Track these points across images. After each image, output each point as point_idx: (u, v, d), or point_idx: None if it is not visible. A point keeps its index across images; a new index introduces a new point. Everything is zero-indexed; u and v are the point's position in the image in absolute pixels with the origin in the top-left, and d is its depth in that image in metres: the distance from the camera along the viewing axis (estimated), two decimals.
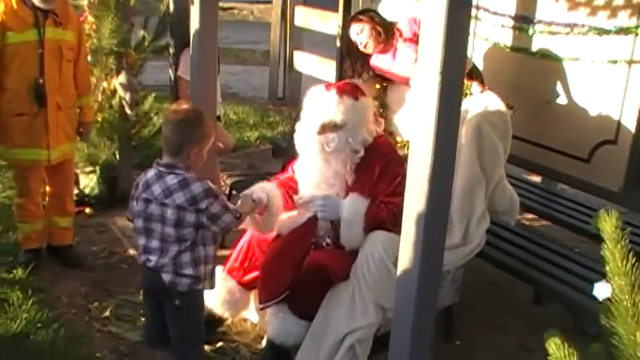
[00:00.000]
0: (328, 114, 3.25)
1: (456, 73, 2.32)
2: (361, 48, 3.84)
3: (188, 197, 2.65)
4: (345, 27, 3.94)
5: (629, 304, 1.63)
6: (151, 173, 2.76)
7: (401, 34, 3.80)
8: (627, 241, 1.69)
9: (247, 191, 3.24)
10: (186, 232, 2.70)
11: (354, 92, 3.33)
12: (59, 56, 3.92)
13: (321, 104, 3.29)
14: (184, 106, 2.86)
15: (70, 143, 4.16)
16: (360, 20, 3.82)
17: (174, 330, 2.85)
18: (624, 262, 1.65)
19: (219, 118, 4.99)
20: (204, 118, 2.81)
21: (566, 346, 1.64)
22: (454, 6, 2.22)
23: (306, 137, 3.34)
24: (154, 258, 2.77)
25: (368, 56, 3.91)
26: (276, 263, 3.24)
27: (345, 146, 3.26)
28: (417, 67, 2.38)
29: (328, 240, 3.33)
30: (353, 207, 3.21)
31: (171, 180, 2.68)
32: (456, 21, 2.24)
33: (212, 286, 2.92)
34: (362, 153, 3.29)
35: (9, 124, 3.88)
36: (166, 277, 2.74)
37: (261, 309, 3.32)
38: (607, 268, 1.70)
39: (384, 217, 3.20)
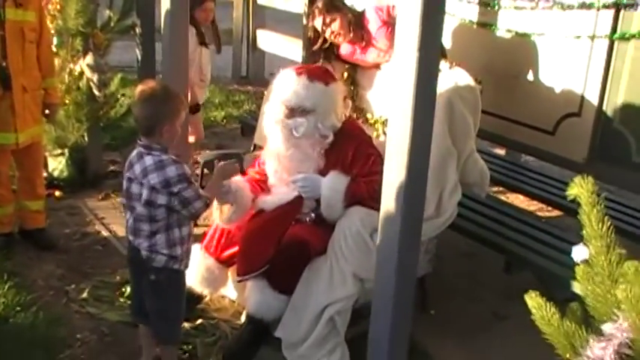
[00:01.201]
0: (298, 98, 3.24)
1: (433, 50, 2.38)
2: (331, 38, 3.78)
3: (162, 179, 2.68)
4: (316, 13, 3.76)
5: (605, 264, 1.73)
6: (134, 152, 2.79)
7: (368, 23, 3.80)
8: (602, 205, 1.79)
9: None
10: (158, 212, 2.74)
11: (325, 77, 3.35)
12: (21, 38, 3.85)
13: (291, 88, 3.27)
14: (149, 84, 2.84)
15: (38, 126, 4.12)
16: (331, 11, 3.72)
17: (150, 304, 2.91)
18: (600, 225, 1.75)
19: (198, 106, 5.03)
20: (171, 92, 2.82)
21: (547, 305, 1.74)
22: None
23: (274, 121, 3.33)
24: (131, 236, 2.85)
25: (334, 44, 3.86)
26: (258, 237, 3.27)
27: (313, 131, 3.27)
28: (395, 46, 2.43)
29: (312, 215, 3.37)
30: (333, 185, 3.26)
31: (148, 160, 2.72)
32: None
33: (186, 266, 2.96)
34: (331, 138, 3.32)
35: None
36: (144, 253, 2.81)
37: (239, 281, 3.36)
38: (584, 231, 1.80)
39: (364, 193, 3.26)
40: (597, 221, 1.76)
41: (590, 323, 1.81)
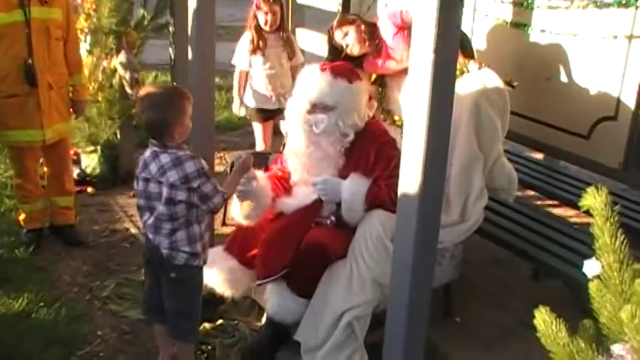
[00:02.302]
0: (320, 94, 3.22)
1: (449, 52, 2.30)
2: (347, 50, 3.76)
3: (181, 175, 2.69)
4: (331, 30, 3.81)
5: (617, 281, 1.63)
6: (147, 152, 2.80)
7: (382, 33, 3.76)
8: (616, 218, 1.69)
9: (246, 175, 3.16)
10: (179, 209, 2.74)
11: (349, 75, 3.30)
12: (47, 35, 3.90)
13: (314, 84, 3.25)
14: (149, 90, 2.84)
15: (65, 122, 4.16)
16: (344, 24, 3.77)
17: (169, 302, 2.90)
18: (613, 239, 1.65)
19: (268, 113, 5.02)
20: (172, 93, 2.83)
21: (554, 322, 1.64)
22: None
23: (295, 115, 3.31)
24: (151, 235, 2.85)
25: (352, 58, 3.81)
26: (277, 241, 3.23)
27: (334, 129, 3.22)
28: (411, 49, 2.36)
29: (333, 218, 3.31)
30: (353, 188, 3.20)
31: (165, 158, 2.72)
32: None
33: (205, 261, 2.96)
34: (351, 137, 3.26)
35: (1, 106, 3.89)
36: (164, 251, 2.81)
37: (258, 285, 3.33)
38: (596, 244, 1.71)
39: (384, 197, 3.19)
40: (610, 235, 1.66)
41: (602, 342, 1.71)
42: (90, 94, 4.87)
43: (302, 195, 3.35)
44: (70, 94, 4.17)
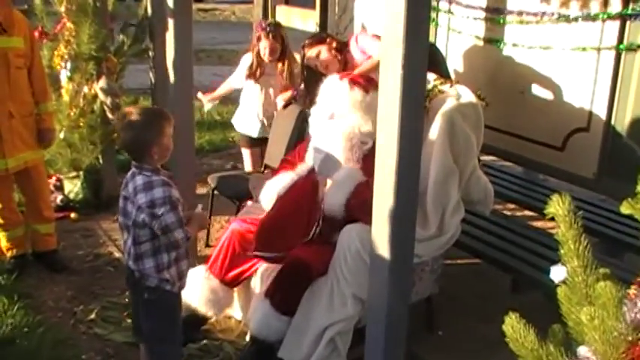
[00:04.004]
0: (337, 103, 3.36)
1: (418, 65, 2.36)
2: (322, 69, 3.86)
3: (148, 199, 2.66)
4: (303, 50, 3.92)
5: (582, 285, 1.67)
6: (130, 172, 2.80)
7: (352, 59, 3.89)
8: (580, 223, 1.73)
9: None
10: (143, 233, 2.72)
11: (367, 85, 3.39)
12: (6, 63, 3.86)
13: (332, 93, 3.41)
14: (127, 111, 2.80)
15: (32, 151, 4.08)
16: (315, 44, 3.87)
17: (144, 324, 2.89)
18: (577, 245, 1.70)
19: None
20: (149, 114, 2.79)
21: (522, 327, 1.68)
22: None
23: (317, 122, 3.47)
24: (126, 255, 2.85)
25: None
26: (283, 222, 3.34)
27: (352, 136, 3.33)
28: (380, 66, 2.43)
29: (317, 229, 3.35)
30: (349, 172, 3.28)
31: (139, 180, 2.71)
32: (417, 14, 2.29)
33: (180, 288, 2.93)
34: (369, 145, 3.32)
35: None
36: (136, 273, 2.80)
37: (254, 256, 3.38)
38: (561, 250, 1.75)
39: (368, 198, 3.23)
40: (574, 240, 1.70)
41: (571, 346, 1.75)
42: (71, 120, 4.89)
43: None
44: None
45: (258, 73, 4.76)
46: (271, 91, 4.82)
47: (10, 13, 3.94)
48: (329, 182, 3.34)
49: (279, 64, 4.77)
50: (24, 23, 4.05)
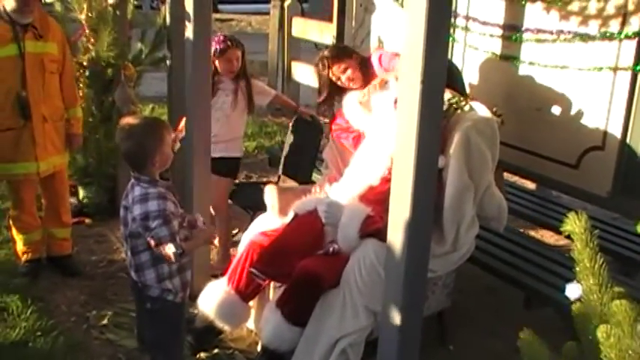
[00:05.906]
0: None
1: (437, 80, 2.38)
2: (347, 84, 3.88)
3: (143, 211, 2.66)
4: (327, 62, 3.88)
5: (597, 304, 1.68)
6: (130, 182, 2.82)
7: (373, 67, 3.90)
8: (596, 242, 1.75)
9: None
10: (138, 243, 2.74)
11: None
12: (42, 69, 3.93)
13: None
14: (126, 121, 2.79)
15: (60, 155, 4.16)
16: (342, 58, 3.87)
17: (147, 333, 2.93)
18: (593, 263, 1.71)
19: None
20: (149, 123, 2.80)
21: (537, 343, 1.69)
22: (434, 15, 2.29)
23: (381, 108, 3.56)
24: (128, 263, 2.87)
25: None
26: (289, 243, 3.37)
27: None
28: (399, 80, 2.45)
29: (335, 246, 3.34)
30: (351, 213, 3.28)
31: (137, 191, 2.72)
32: (437, 28, 2.31)
33: (183, 299, 2.94)
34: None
35: None
36: (138, 284, 2.83)
37: (253, 274, 3.36)
38: (577, 268, 1.76)
39: (380, 226, 3.25)
40: (590, 258, 1.71)
41: None
42: (89, 127, 4.94)
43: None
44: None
45: (214, 87, 4.28)
46: (227, 108, 4.43)
47: (45, 19, 4.02)
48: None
49: (239, 81, 4.44)
50: (58, 29, 4.13)
